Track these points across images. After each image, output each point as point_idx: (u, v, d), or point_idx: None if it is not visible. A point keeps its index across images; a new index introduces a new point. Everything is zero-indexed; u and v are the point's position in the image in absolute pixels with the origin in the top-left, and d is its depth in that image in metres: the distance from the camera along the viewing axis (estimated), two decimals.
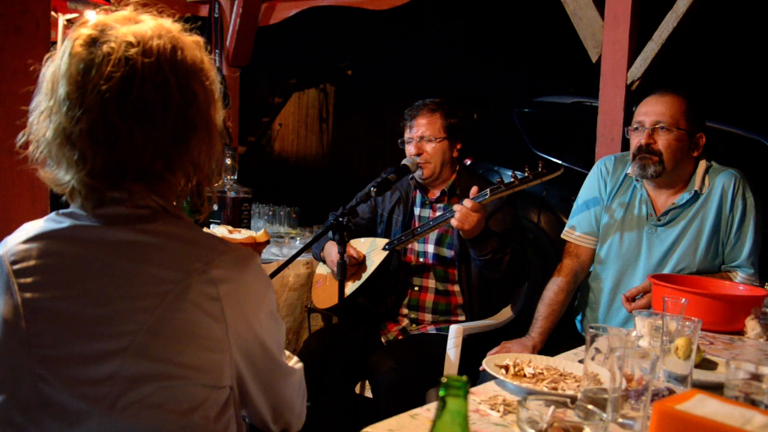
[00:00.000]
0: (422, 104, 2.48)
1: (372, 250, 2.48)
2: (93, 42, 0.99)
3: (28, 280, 0.99)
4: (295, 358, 1.24)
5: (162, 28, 1.03)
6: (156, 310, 0.96)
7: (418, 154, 2.42)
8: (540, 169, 2.09)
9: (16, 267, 1.00)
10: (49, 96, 1.01)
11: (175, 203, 1.08)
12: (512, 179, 2.11)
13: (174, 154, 1.02)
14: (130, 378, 0.96)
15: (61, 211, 1.06)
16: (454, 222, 2.14)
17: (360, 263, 2.45)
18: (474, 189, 2.16)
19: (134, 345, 0.95)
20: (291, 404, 1.20)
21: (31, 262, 1.00)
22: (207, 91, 1.06)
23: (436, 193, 2.52)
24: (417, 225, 2.47)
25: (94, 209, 1.02)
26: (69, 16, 5.08)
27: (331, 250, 2.45)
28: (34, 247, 1.01)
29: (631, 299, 2.08)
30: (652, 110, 2.14)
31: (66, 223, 1.03)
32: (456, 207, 2.14)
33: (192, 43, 1.06)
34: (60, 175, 1.02)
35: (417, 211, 2.55)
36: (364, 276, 2.43)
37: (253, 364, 1.09)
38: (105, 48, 0.98)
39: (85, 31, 1.00)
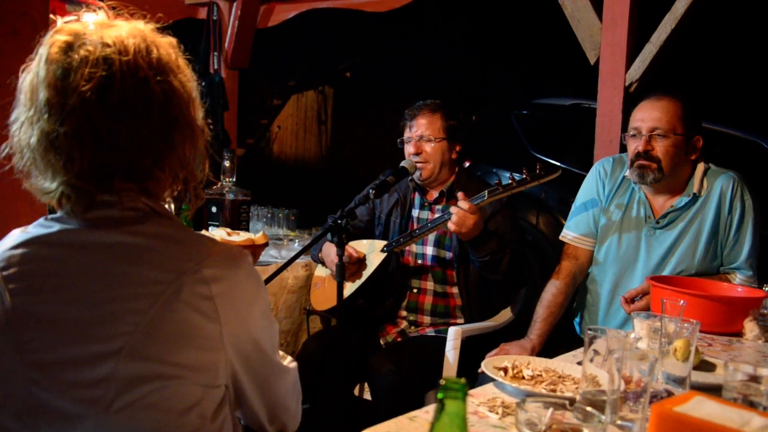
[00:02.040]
0: (423, 104, 2.49)
1: (370, 252, 2.48)
2: (69, 47, 1.00)
3: (18, 285, 0.99)
4: (289, 358, 1.25)
5: (135, 29, 1.04)
6: (149, 311, 0.96)
7: (417, 154, 2.43)
8: (537, 171, 2.09)
9: (5, 273, 1.00)
10: (29, 104, 1.01)
11: (164, 203, 1.09)
12: (510, 181, 2.11)
13: (161, 149, 1.03)
14: (125, 379, 0.96)
15: (49, 216, 1.05)
16: (451, 225, 2.14)
17: (360, 261, 2.45)
18: (460, 195, 2.16)
19: (128, 346, 0.95)
20: (286, 404, 1.21)
21: (21, 268, 1.00)
22: (185, 88, 1.07)
23: (434, 195, 2.52)
24: (415, 227, 2.47)
25: (84, 213, 1.02)
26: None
27: (330, 250, 2.45)
28: (23, 252, 1.01)
29: (630, 301, 2.08)
30: (648, 116, 2.13)
31: (55, 227, 1.02)
32: (453, 209, 2.14)
33: (166, 43, 1.07)
34: (47, 184, 1.02)
35: (415, 213, 2.54)
36: (363, 278, 2.43)
37: (248, 362, 1.09)
38: (82, 51, 0.99)
39: (60, 38, 1.01)
